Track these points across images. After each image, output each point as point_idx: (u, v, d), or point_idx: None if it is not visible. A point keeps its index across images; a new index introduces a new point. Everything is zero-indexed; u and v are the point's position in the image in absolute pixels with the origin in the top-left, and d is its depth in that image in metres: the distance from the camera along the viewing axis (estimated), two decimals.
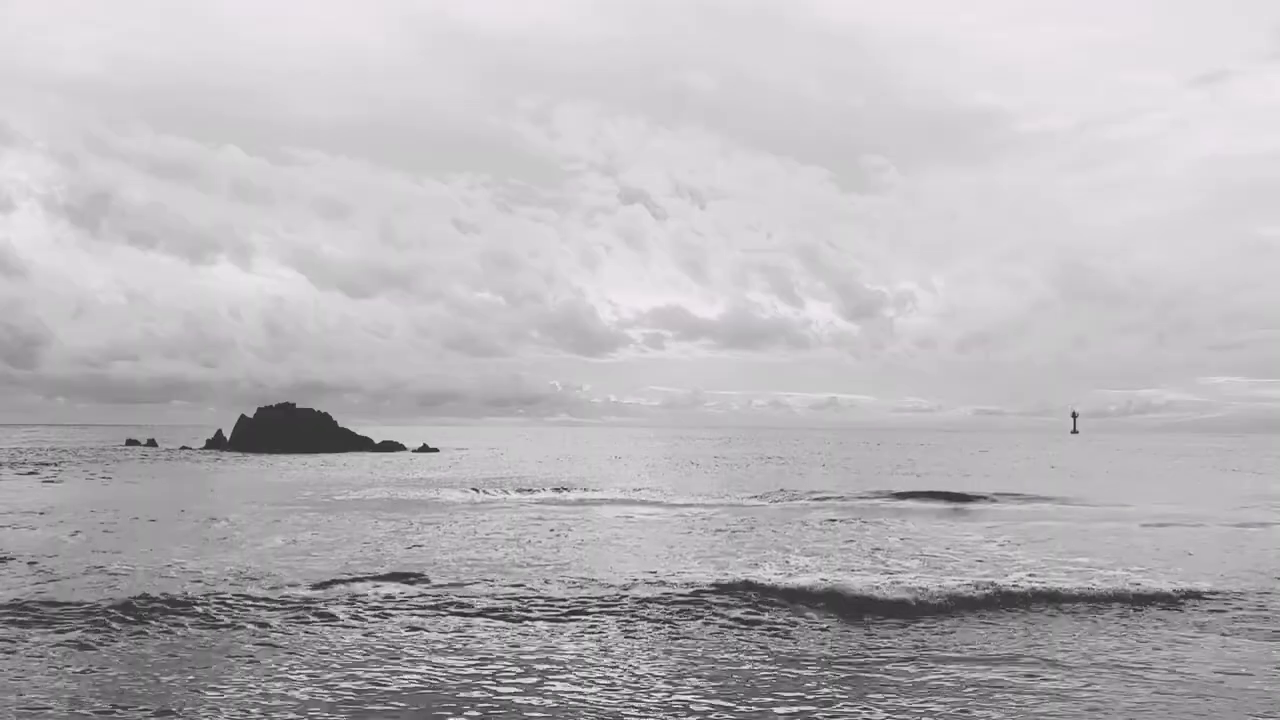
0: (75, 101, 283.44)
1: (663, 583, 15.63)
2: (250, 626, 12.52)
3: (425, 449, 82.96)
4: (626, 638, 12.26)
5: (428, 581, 15.75)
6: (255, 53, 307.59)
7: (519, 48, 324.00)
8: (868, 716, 9.21)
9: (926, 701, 9.63)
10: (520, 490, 37.11)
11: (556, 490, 37.36)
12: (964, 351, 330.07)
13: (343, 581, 15.65)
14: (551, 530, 23.82)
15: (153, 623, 12.65)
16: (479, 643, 11.83)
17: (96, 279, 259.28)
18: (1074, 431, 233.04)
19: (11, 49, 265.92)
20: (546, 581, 15.84)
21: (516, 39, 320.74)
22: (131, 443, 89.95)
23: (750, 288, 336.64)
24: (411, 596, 14.45)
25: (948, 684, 10.25)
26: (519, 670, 10.64)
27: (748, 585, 15.00)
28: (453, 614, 13.35)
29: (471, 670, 10.62)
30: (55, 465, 54.27)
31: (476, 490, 36.84)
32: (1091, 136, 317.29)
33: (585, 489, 37.96)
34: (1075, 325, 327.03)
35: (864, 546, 20.97)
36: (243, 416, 79.61)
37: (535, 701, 9.57)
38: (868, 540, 22.18)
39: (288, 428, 76.55)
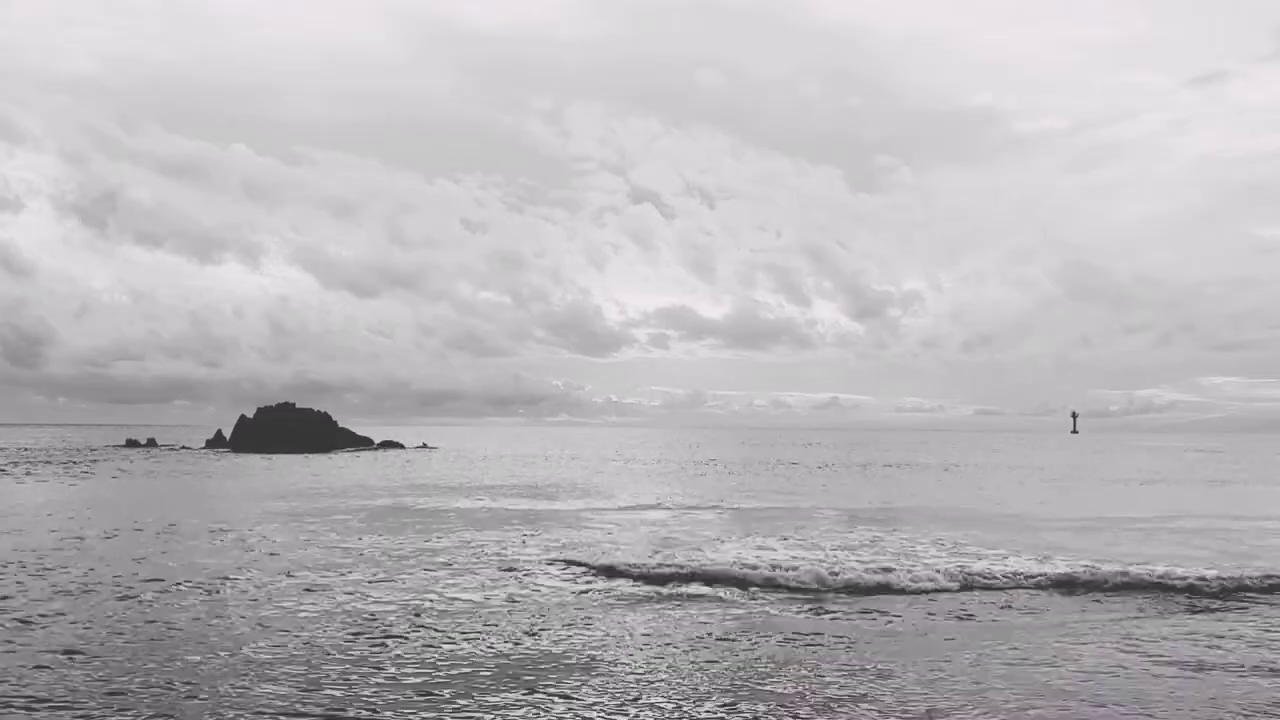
0: (82, 101, 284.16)
1: None
2: None
3: (424, 448, 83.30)
4: None
5: None
6: (260, 52, 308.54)
7: (528, 47, 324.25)
8: None
9: None
10: None
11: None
12: (968, 351, 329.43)
13: None
14: None
15: None
16: None
17: (101, 278, 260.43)
18: (1074, 432, 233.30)
19: (15, 49, 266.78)
20: None
21: (525, 38, 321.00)
22: (131, 443, 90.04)
23: (757, 287, 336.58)
24: None
25: None
26: None
27: None
28: None
29: None
30: (63, 464, 54.43)
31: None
32: (1090, 137, 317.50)
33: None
34: (1079, 325, 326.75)
35: None
36: (242, 416, 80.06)
37: None
38: None
39: (287, 427, 77.03)
